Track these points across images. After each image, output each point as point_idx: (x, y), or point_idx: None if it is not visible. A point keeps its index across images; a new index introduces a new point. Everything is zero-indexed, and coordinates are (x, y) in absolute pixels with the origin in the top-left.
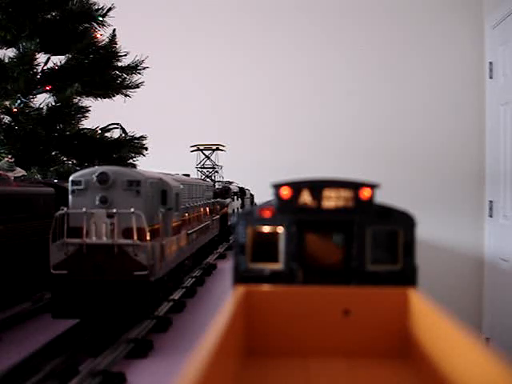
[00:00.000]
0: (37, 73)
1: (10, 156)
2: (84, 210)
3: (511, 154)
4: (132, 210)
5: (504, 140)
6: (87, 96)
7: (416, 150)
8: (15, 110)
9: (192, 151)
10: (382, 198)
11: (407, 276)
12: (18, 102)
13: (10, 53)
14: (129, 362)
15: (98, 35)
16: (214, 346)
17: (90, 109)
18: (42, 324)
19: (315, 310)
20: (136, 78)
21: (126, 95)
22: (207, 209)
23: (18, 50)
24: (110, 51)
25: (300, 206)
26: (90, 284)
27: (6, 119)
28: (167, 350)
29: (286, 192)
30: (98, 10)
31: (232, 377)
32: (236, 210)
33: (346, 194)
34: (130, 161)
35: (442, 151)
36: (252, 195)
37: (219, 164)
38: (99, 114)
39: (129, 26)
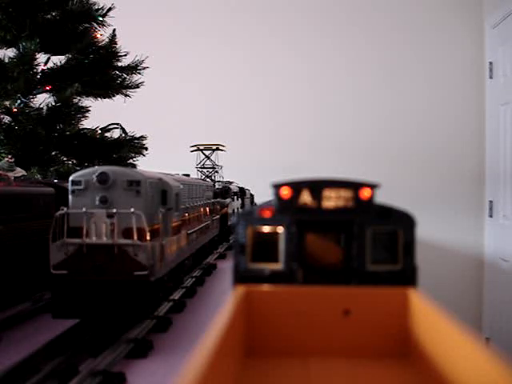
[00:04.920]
0: (37, 73)
1: (10, 156)
2: (84, 210)
3: (511, 154)
4: (132, 210)
5: (504, 140)
6: (87, 96)
7: (416, 149)
8: (15, 109)
9: (192, 151)
10: (382, 198)
11: (407, 276)
12: (18, 101)
13: (10, 53)
14: (129, 362)
15: (98, 35)
16: (214, 345)
17: (90, 109)
18: (42, 324)
19: (315, 310)
20: (136, 78)
21: (126, 95)
22: (207, 209)
23: (18, 50)
24: (110, 51)
25: (300, 206)
26: (90, 284)
27: (6, 119)
28: (167, 350)
29: (286, 192)
30: (98, 10)
31: (232, 377)
32: (236, 210)
33: (346, 194)
34: (130, 161)
35: (442, 151)
36: (252, 195)
37: (219, 164)
38: (99, 114)
39: (129, 26)
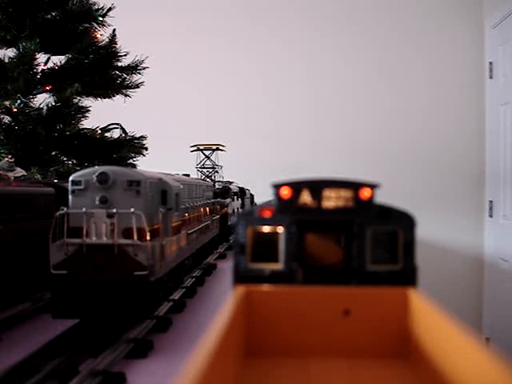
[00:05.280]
0: (37, 73)
1: (10, 156)
2: (84, 210)
3: (511, 154)
4: (132, 210)
5: (504, 140)
6: (87, 96)
7: (416, 149)
8: (15, 109)
9: (192, 151)
10: (382, 198)
11: (407, 276)
12: (18, 102)
13: (10, 53)
14: (129, 362)
15: (98, 35)
16: (214, 346)
17: (90, 109)
18: (42, 324)
19: (315, 310)
20: (136, 78)
21: (126, 95)
22: (207, 209)
23: (18, 50)
24: (110, 51)
25: (300, 206)
26: (90, 284)
27: (6, 119)
28: (167, 350)
29: (286, 192)
30: (98, 10)
31: (232, 377)
32: (236, 210)
33: (345, 194)
34: (130, 161)
35: (442, 151)
36: (252, 195)
37: (219, 164)
38: (99, 114)
39: (129, 26)
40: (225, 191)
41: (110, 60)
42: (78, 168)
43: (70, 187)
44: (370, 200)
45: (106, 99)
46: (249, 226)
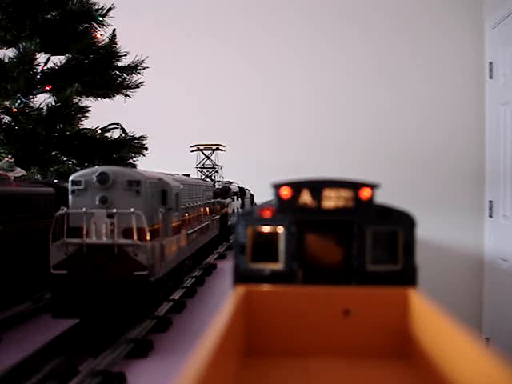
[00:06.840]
0: (37, 73)
1: (10, 156)
2: (84, 210)
3: (511, 154)
4: (132, 210)
5: (504, 140)
6: (87, 96)
7: (416, 149)
8: (15, 109)
9: (192, 151)
10: (382, 198)
11: (407, 276)
12: (18, 102)
13: (10, 53)
14: (129, 362)
15: (98, 35)
16: (214, 346)
17: (90, 109)
18: (42, 324)
19: (315, 310)
20: (136, 78)
21: (126, 95)
22: (207, 209)
23: (18, 50)
24: (110, 51)
25: (300, 206)
26: (90, 284)
27: (6, 119)
28: (167, 349)
29: (285, 192)
30: (98, 10)
31: (232, 377)
32: (236, 210)
33: (345, 194)
34: (130, 161)
35: (442, 151)
36: (252, 195)
37: (219, 164)
38: (99, 114)
39: (129, 26)
40: (225, 191)
41: (110, 60)
42: (77, 168)
43: (69, 187)
44: (370, 200)
45: (106, 99)
46: (249, 226)
